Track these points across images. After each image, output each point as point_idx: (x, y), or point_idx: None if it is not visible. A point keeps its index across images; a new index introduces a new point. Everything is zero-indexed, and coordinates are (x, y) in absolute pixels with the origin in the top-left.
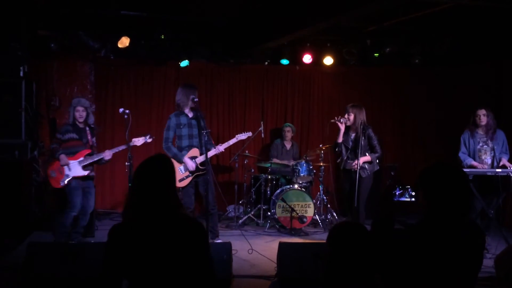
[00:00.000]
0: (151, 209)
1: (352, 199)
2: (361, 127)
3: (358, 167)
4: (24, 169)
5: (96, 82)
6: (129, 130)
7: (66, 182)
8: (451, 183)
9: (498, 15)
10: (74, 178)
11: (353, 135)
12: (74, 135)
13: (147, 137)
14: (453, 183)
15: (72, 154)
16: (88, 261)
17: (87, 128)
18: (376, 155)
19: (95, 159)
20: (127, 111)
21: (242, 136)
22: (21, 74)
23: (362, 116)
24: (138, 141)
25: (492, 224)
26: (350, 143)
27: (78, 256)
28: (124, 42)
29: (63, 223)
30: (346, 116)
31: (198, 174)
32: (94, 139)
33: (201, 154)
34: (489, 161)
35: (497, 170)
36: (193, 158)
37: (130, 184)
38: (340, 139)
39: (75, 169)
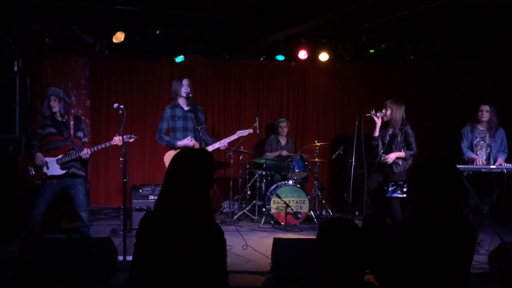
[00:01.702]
0: (181, 201)
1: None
2: (400, 123)
3: (353, 163)
4: (18, 164)
5: (90, 77)
6: (123, 126)
7: (41, 181)
8: (443, 178)
9: (494, 9)
10: (51, 177)
11: (390, 131)
12: (52, 130)
13: (129, 136)
14: (445, 178)
15: (52, 150)
16: (82, 257)
17: (71, 122)
18: (411, 152)
19: (73, 158)
20: (121, 106)
21: (243, 133)
22: (15, 68)
23: (400, 113)
24: (119, 140)
25: (486, 220)
26: (387, 138)
27: (73, 252)
28: (119, 37)
29: (31, 221)
30: (383, 111)
31: None
32: (81, 133)
33: None
34: (484, 157)
35: (492, 166)
36: None
37: (164, 180)
38: (377, 133)
39: (53, 167)
